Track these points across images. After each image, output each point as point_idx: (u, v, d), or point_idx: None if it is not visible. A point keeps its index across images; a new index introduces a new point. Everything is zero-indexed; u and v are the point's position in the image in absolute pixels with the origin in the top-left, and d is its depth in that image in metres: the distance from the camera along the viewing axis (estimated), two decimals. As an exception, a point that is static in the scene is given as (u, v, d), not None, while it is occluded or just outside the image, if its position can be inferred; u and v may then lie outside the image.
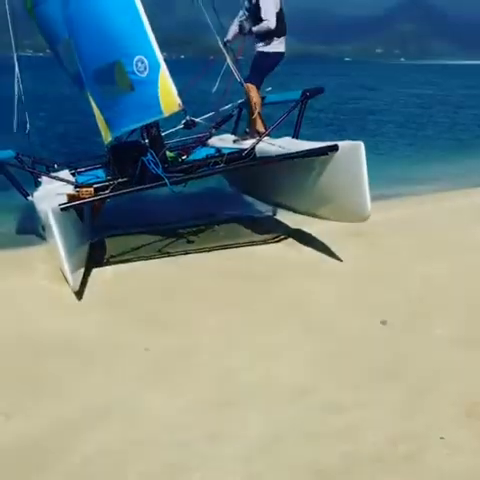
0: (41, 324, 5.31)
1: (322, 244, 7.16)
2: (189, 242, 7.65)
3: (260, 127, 8.04)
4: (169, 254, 7.18)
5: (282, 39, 8.08)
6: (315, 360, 4.55)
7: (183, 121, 6.79)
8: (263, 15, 7.79)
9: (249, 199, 9.58)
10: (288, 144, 7.32)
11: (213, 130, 8.53)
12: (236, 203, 9.80)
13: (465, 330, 4.98)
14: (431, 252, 7.00)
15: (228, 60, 7.67)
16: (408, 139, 19.14)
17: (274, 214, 8.83)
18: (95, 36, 6.42)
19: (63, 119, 21.49)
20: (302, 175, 7.01)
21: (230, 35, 8.32)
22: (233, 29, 8.30)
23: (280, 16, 7.95)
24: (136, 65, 6.23)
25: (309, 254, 7.00)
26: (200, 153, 7.93)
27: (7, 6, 7.46)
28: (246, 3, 8.06)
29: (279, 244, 7.52)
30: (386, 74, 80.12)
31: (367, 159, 6.32)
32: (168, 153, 7.39)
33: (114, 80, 6.45)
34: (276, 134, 7.77)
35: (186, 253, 7.18)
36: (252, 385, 4.20)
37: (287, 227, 8.06)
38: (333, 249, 6.96)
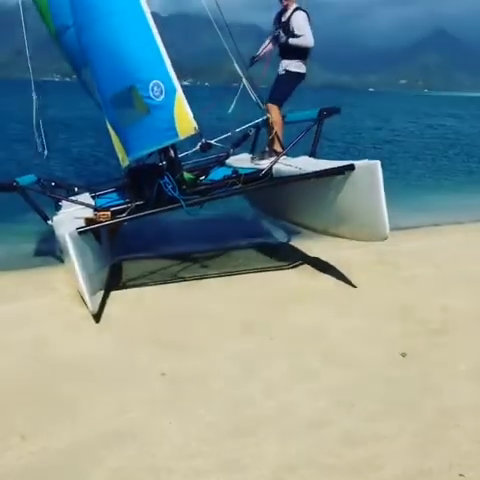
0: (58, 346, 5.35)
1: (340, 273, 7.13)
2: (206, 267, 7.67)
3: (278, 147, 8.12)
4: (185, 279, 7.21)
5: (306, 61, 8.24)
6: (332, 391, 4.49)
7: (199, 144, 6.88)
8: (297, 32, 7.97)
9: (267, 225, 9.60)
10: (305, 164, 7.35)
11: (231, 150, 8.55)
12: (254, 229, 9.85)
13: (486, 364, 4.89)
14: (451, 283, 6.94)
15: (244, 81, 7.68)
16: (425, 169, 19.04)
17: (289, 241, 8.83)
18: (110, 62, 6.56)
19: (85, 142, 21.84)
20: (320, 194, 7.02)
21: (260, 50, 8.44)
22: (265, 44, 8.43)
23: None
24: (152, 89, 6.35)
25: (327, 283, 6.98)
26: (217, 174, 7.97)
27: (25, 35, 7.58)
28: (276, 24, 8.26)
29: (297, 272, 7.50)
30: (408, 105, 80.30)
31: (385, 188, 6.29)
32: (185, 174, 7.44)
33: (132, 104, 6.57)
34: (294, 153, 7.81)
35: (203, 278, 7.21)
36: (268, 414, 4.16)
37: (305, 255, 8.06)
38: (351, 278, 6.93)
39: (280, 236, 9.35)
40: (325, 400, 4.35)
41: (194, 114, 6.46)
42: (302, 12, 8.07)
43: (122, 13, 6.45)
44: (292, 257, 8.00)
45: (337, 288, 6.79)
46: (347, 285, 6.82)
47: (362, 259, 7.78)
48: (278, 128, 8.14)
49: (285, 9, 8.16)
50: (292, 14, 8.04)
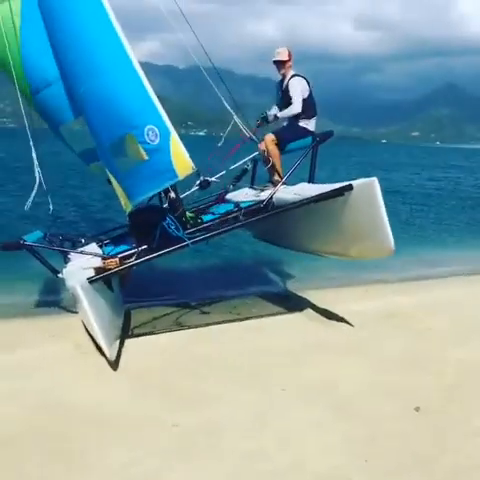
0: (70, 394, 5.35)
1: (353, 324, 7.13)
2: (215, 315, 7.68)
3: (276, 177, 8.25)
4: (195, 326, 7.23)
5: (312, 120, 8.42)
6: (345, 445, 4.44)
7: (197, 182, 7.01)
8: (291, 99, 8.21)
9: (277, 273, 9.59)
10: (304, 190, 7.48)
11: (230, 186, 8.71)
12: (263, 277, 9.88)
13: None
14: (464, 336, 6.90)
15: (235, 117, 7.90)
16: (430, 220, 19.10)
17: (298, 289, 8.86)
18: (105, 113, 6.75)
19: (87, 189, 21.62)
20: (323, 218, 7.12)
21: (271, 116, 8.54)
22: (272, 111, 8.62)
23: (309, 99, 8.35)
24: (147, 134, 6.51)
25: (340, 334, 6.96)
26: (219, 210, 8.08)
27: (17, 86, 7.61)
28: (279, 92, 8.55)
29: (309, 322, 7.50)
30: (417, 157, 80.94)
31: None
32: (187, 213, 7.54)
33: (126, 151, 6.73)
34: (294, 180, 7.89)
35: (212, 325, 7.23)
36: (280, 469, 4.12)
37: (315, 305, 8.06)
38: (364, 330, 6.92)
39: (287, 284, 9.37)
40: (338, 455, 4.30)
41: (191, 156, 6.55)
42: (297, 78, 8.29)
43: (112, 65, 6.66)
44: (301, 307, 8.01)
45: (350, 340, 6.76)
46: (360, 337, 6.80)
47: (374, 310, 7.79)
48: (275, 158, 8.28)
49: (283, 77, 8.44)
50: (288, 82, 8.29)
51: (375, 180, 6.51)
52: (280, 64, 8.37)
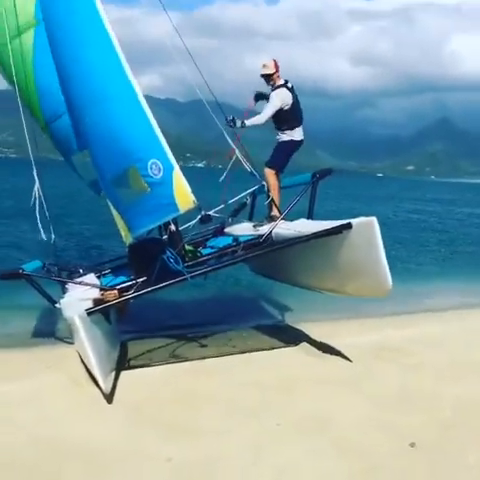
0: (64, 426, 5.31)
1: (348, 358, 7.13)
2: (209, 347, 7.68)
3: (276, 212, 8.30)
4: (190, 359, 7.22)
5: (297, 129, 8.56)
6: (341, 479, 4.42)
7: (199, 216, 7.04)
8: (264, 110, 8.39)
9: (273, 305, 9.54)
10: (303, 226, 7.49)
11: (229, 220, 8.75)
12: (256, 309, 9.88)
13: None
14: (458, 371, 6.90)
15: (236, 152, 7.96)
16: (426, 254, 19.07)
17: (292, 323, 8.87)
18: (109, 145, 6.85)
19: (86, 219, 21.76)
20: (321, 254, 7.12)
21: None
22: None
23: (292, 110, 8.48)
24: (150, 168, 6.60)
25: (333, 368, 6.95)
26: (218, 243, 8.11)
27: (23, 118, 7.78)
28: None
29: (303, 355, 7.48)
30: (409, 190, 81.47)
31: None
32: (186, 246, 7.58)
33: (129, 184, 6.82)
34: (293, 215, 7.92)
35: (206, 358, 7.23)
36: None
37: (310, 338, 8.06)
38: (360, 364, 6.92)
39: (283, 317, 9.36)
40: (333, 490, 4.28)
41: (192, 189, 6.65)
42: (278, 90, 8.40)
43: (117, 98, 6.76)
44: (296, 340, 8.00)
45: (345, 374, 6.75)
46: (356, 371, 6.79)
47: (369, 344, 7.80)
48: (275, 193, 8.38)
49: (273, 88, 8.55)
50: (271, 93, 8.44)
51: (374, 219, 6.52)
52: (267, 77, 8.53)
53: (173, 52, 7.50)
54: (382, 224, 6.56)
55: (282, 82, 8.50)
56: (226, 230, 8.80)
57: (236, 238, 7.85)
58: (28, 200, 7.71)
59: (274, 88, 8.46)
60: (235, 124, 8.34)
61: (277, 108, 8.36)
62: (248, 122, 8.42)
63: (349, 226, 6.74)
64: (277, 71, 8.51)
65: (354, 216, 6.91)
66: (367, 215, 6.77)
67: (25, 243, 15.04)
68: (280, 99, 8.38)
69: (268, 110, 8.37)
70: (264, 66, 8.52)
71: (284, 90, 8.44)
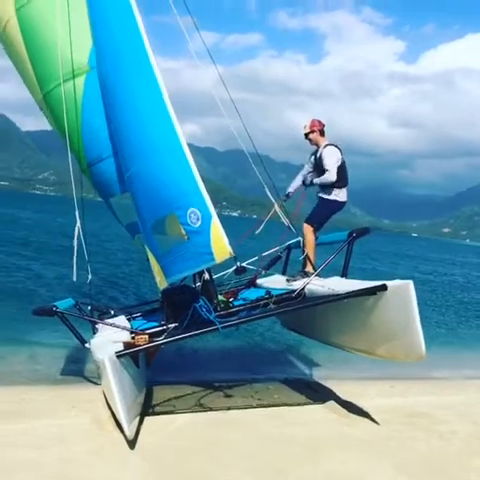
0: (84, 470, 5.23)
1: (376, 421, 6.91)
2: (235, 398, 7.57)
3: (310, 267, 8.27)
4: (218, 409, 7.11)
5: (343, 190, 8.64)
6: None
7: (233, 267, 7.04)
8: (326, 167, 8.48)
9: (303, 360, 9.39)
10: (337, 284, 7.38)
11: (262, 271, 8.72)
12: (289, 363, 9.70)
13: None
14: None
15: (276, 207, 8.07)
16: (449, 317, 18.71)
17: (320, 378, 8.72)
18: (151, 192, 6.98)
19: (119, 261, 22.25)
20: (354, 314, 7.00)
21: (292, 188, 9.06)
22: (296, 182, 9.06)
23: (342, 169, 8.58)
24: (189, 217, 6.66)
25: (362, 429, 6.73)
26: (250, 295, 8.06)
27: (70, 163, 8.00)
28: (312, 158, 8.89)
29: (331, 413, 7.28)
30: (446, 252, 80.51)
31: None
32: (219, 296, 7.57)
33: (167, 231, 6.91)
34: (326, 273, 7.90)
35: (232, 409, 7.12)
36: None
37: (341, 397, 7.86)
38: (387, 427, 6.70)
39: (310, 372, 9.20)
40: None
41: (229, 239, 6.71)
42: (330, 147, 8.60)
43: (164, 147, 6.88)
44: (324, 397, 7.82)
45: (372, 437, 6.52)
46: (383, 435, 6.56)
47: (398, 407, 7.59)
48: (310, 249, 8.38)
49: (317, 147, 8.77)
50: (322, 151, 8.61)
51: (411, 283, 6.39)
52: (307, 135, 8.76)
53: (218, 103, 7.70)
54: (423, 283, 6.47)
55: (327, 142, 8.68)
56: (258, 282, 8.78)
57: (268, 291, 7.79)
58: (63, 237, 7.90)
59: (324, 146, 8.62)
60: (305, 184, 8.74)
61: (338, 163, 8.51)
62: (317, 180, 8.59)
63: (384, 288, 6.63)
64: (320, 129, 8.73)
65: (365, 276, 6.83)
66: (402, 278, 6.68)
67: (62, 280, 15.29)
68: (335, 155, 8.54)
69: (332, 166, 8.46)
70: (305, 126, 8.83)
71: (335, 148, 8.62)
